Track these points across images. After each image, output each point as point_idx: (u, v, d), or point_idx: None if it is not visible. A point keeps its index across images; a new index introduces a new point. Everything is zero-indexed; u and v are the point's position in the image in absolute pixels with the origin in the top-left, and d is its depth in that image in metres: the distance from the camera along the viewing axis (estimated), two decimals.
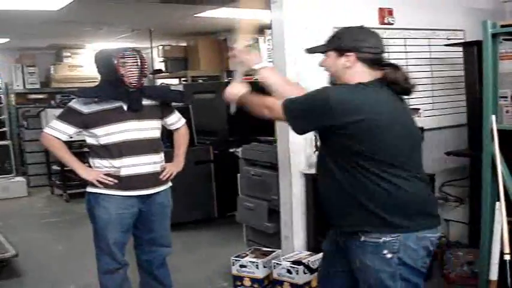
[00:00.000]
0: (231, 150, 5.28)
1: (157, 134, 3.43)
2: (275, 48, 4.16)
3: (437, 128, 4.30)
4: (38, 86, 9.85)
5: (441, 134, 4.47)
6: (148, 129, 3.34)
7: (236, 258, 4.19)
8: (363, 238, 2.33)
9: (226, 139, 6.01)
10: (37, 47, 9.51)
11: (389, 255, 2.29)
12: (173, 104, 3.66)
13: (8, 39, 8.40)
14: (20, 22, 6.62)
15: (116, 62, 3.20)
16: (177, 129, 3.66)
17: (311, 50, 2.61)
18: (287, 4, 3.96)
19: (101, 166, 3.30)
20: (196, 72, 7.71)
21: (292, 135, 4.01)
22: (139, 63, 3.26)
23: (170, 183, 3.56)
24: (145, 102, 3.35)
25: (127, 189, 3.29)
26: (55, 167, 8.57)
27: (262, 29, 6.91)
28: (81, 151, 8.41)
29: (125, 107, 3.27)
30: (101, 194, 3.29)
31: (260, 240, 4.75)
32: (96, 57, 3.38)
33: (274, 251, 4.26)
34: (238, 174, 5.08)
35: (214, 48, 7.77)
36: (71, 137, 3.35)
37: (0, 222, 5.62)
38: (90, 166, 3.40)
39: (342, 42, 2.42)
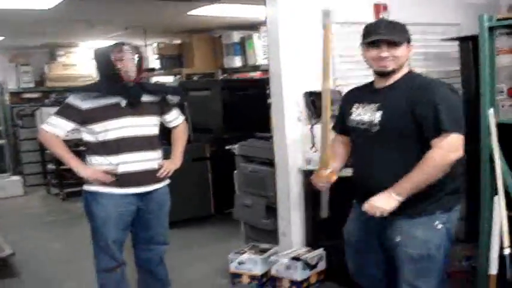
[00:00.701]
0: (228, 147, 5.26)
1: (155, 131, 3.40)
2: (271, 45, 4.15)
3: None
4: (32, 85, 9.81)
5: None
6: (146, 125, 3.32)
7: (234, 255, 4.19)
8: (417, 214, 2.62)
9: (223, 136, 6.00)
10: (31, 45, 9.47)
11: (439, 226, 2.61)
12: (170, 100, 3.60)
13: (2, 38, 8.35)
14: (13, 21, 6.59)
15: (113, 57, 3.18)
16: (175, 126, 3.62)
17: (387, 36, 2.68)
18: (282, 0, 3.94)
19: (98, 163, 3.27)
20: (190, 70, 7.69)
21: (289, 131, 4.02)
22: (136, 58, 3.24)
23: (168, 181, 3.53)
24: (145, 98, 3.33)
25: (125, 187, 3.27)
26: (51, 166, 8.54)
27: (256, 26, 6.91)
28: (77, 150, 8.46)
29: (123, 103, 3.25)
30: (98, 192, 3.27)
31: (259, 237, 4.75)
32: (94, 54, 3.38)
33: (272, 248, 4.26)
34: (235, 171, 5.08)
35: (208, 45, 7.74)
36: (67, 135, 3.29)
37: None
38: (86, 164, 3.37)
39: (408, 34, 2.74)
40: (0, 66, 9.88)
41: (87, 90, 3.31)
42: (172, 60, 8.17)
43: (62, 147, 3.29)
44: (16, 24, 6.87)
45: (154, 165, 3.37)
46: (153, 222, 3.47)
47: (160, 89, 3.65)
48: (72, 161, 3.30)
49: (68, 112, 3.23)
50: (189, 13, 6.48)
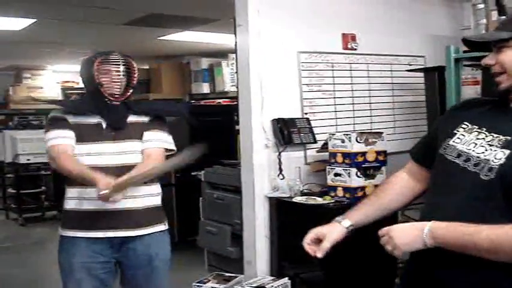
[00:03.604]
0: (193, 173, 5.20)
1: (139, 159, 2.71)
2: (240, 72, 4.14)
3: (399, 152, 4.32)
4: None
5: (403, 158, 4.50)
6: (129, 152, 2.67)
7: (198, 284, 4.09)
8: None
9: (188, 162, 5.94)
10: None
11: None
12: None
13: None
14: None
15: (95, 68, 2.64)
16: (145, 149, 2.74)
17: (485, 38, 1.82)
18: (252, 28, 3.95)
19: (68, 196, 2.70)
20: (158, 95, 7.63)
21: (256, 158, 3.99)
22: (124, 71, 2.67)
23: (164, 226, 2.83)
24: (132, 118, 2.73)
25: (92, 229, 2.62)
26: (10, 190, 8.37)
27: (225, 53, 6.93)
28: (38, 174, 8.33)
29: (104, 124, 2.68)
30: (63, 235, 2.69)
31: (222, 266, 4.68)
32: (80, 64, 2.82)
33: (236, 276, 4.18)
34: (201, 198, 5.02)
35: (177, 71, 7.72)
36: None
37: None
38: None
39: None
40: None
41: (66, 106, 2.89)
42: (139, 84, 8.10)
43: (74, 166, 2.59)
44: None
45: (139, 203, 2.68)
46: (141, 281, 2.76)
47: (155, 109, 2.97)
48: (86, 179, 2.52)
49: (60, 123, 2.66)
50: (159, 38, 6.48)
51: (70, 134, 2.64)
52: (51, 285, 4.82)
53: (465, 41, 1.81)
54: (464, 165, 1.71)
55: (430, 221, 1.69)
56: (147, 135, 2.75)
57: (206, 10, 5.15)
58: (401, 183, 2.06)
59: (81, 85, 8.92)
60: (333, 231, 1.98)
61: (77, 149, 2.64)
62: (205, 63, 7.29)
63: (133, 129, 2.71)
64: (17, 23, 5.45)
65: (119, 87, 2.67)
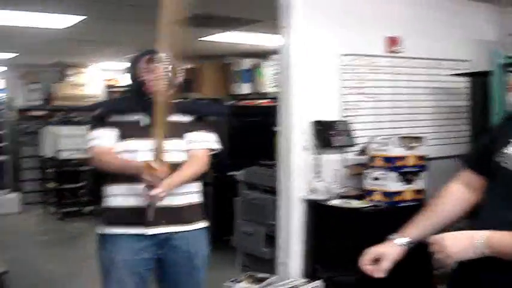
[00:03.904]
0: (231, 173, 5.20)
1: (180, 157, 2.68)
2: (281, 74, 4.13)
3: (439, 157, 4.26)
4: (39, 103, 9.82)
5: (443, 164, 4.42)
6: (171, 151, 2.58)
7: (230, 284, 4.10)
8: None
9: (226, 162, 5.94)
10: (42, 64, 9.52)
11: None
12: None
13: (16, 54, 8.39)
14: (27, 39, 6.61)
15: (140, 66, 2.66)
16: (190, 150, 2.74)
17: None
18: (295, 30, 3.94)
19: (110, 194, 2.70)
20: (199, 95, 7.67)
21: (294, 160, 3.97)
22: (170, 70, 2.59)
23: (204, 222, 2.81)
24: (173, 117, 2.63)
25: (133, 226, 2.61)
26: (50, 185, 8.51)
27: (266, 54, 6.93)
28: (78, 170, 8.46)
29: (142, 122, 2.66)
30: (104, 233, 2.68)
31: (255, 266, 4.66)
32: (129, 62, 2.83)
33: (269, 277, 4.17)
34: (237, 198, 5.01)
35: (218, 71, 7.76)
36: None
37: None
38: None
39: None
40: (9, 82, 9.93)
41: (105, 105, 2.91)
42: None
43: (117, 159, 2.62)
44: (30, 42, 6.89)
45: (183, 200, 2.69)
46: (181, 278, 2.75)
47: (197, 109, 2.95)
48: (133, 168, 2.53)
49: (101, 123, 2.68)
50: (201, 39, 6.50)
51: (111, 134, 2.65)
52: (87, 279, 4.90)
53: None
54: None
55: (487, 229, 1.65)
56: (191, 136, 2.75)
57: (250, 11, 5.14)
58: (457, 195, 1.99)
59: (124, 83, 9.05)
60: (391, 251, 1.90)
61: (117, 146, 2.65)
62: (246, 63, 7.31)
63: (174, 127, 2.63)
64: (64, 21, 5.52)
65: (162, 85, 2.59)
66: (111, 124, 2.67)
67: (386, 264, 1.88)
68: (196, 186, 2.79)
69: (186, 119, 2.77)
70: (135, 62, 2.71)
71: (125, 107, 2.73)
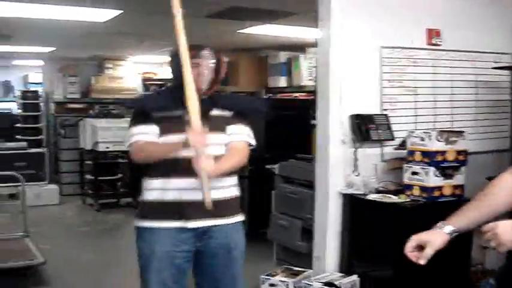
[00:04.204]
0: (268, 166, 5.20)
1: (222, 151, 2.71)
2: (320, 67, 4.11)
3: (479, 152, 4.18)
4: (78, 96, 9.96)
5: (483, 158, 4.35)
6: (212, 144, 2.57)
7: (266, 277, 4.09)
8: None
9: (263, 155, 5.94)
10: (80, 57, 9.66)
11: None
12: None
13: (53, 48, 8.52)
14: (66, 32, 6.70)
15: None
16: (229, 142, 2.76)
17: None
18: (334, 22, 3.90)
19: (149, 188, 2.73)
20: (235, 88, 7.67)
21: (332, 153, 3.94)
22: (215, 67, 2.68)
23: (242, 216, 2.85)
24: (215, 112, 2.71)
25: (175, 219, 2.64)
26: (88, 176, 8.63)
27: (303, 47, 6.89)
28: (115, 162, 8.56)
29: (186, 116, 2.58)
30: (143, 226, 2.72)
31: (290, 260, 4.65)
32: (169, 54, 2.81)
33: (305, 271, 4.15)
34: (273, 191, 5.01)
35: (254, 64, 7.75)
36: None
37: (30, 229, 5.63)
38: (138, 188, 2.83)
39: None
40: (48, 76, 10.11)
41: (141, 103, 2.89)
42: None
43: (157, 144, 2.67)
44: (68, 35, 6.99)
45: (221, 194, 2.68)
46: (218, 270, 2.77)
47: (238, 104, 2.92)
48: (174, 146, 2.57)
49: (144, 118, 2.69)
50: (238, 31, 6.50)
51: (153, 129, 2.67)
52: (125, 269, 4.95)
53: None
54: None
55: None
56: (232, 128, 2.77)
57: (287, 4, 5.12)
58: (507, 185, 1.98)
59: (160, 76, 9.14)
60: (436, 238, 1.91)
61: (161, 141, 2.67)
62: (283, 56, 7.27)
63: (216, 122, 2.68)
64: (103, 15, 5.58)
65: (206, 81, 2.66)
66: (153, 120, 2.67)
67: (429, 252, 1.89)
68: (234, 180, 2.81)
69: (226, 113, 2.77)
70: (178, 58, 2.62)
71: (169, 103, 2.71)
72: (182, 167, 2.55)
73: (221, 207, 2.67)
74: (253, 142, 2.85)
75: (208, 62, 2.66)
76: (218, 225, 2.70)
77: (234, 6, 5.29)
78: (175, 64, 2.64)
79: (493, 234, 1.69)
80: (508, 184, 1.97)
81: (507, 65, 4.29)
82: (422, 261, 1.89)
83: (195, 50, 2.63)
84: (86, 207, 8.57)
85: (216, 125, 2.66)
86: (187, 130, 2.44)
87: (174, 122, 2.64)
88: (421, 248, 1.91)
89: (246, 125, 2.84)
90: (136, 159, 2.70)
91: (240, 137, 2.78)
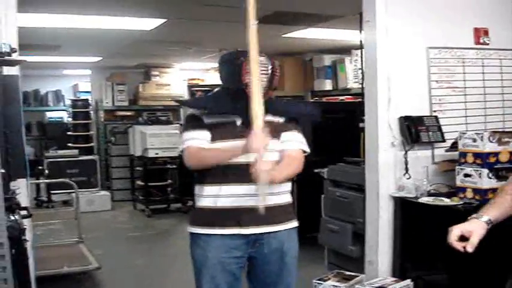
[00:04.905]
0: (316, 170, 5.19)
1: (276, 157, 2.68)
2: (367, 69, 4.09)
3: None
4: (126, 103, 10.15)
5: None
6: (268, 151, 2.54)
7: (318, 282, 4.09)
8: None
9: (311, 159, 5.93)
10: (127, 65, 9.84)
11: None
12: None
13: (100, 58, 8.70)
14: (112, 42, 6.85)
15: (242, 67, 2.60)
16: (285, 150, 2.73)
17: None
18: (380, 24, 3.89)
19: (203, 194, 2.71)
20: (280, 92, 7.70)
21: (381, 156, 3.91)
22: (270, 73, 2.67)
23: (296, 222, 2.83)
24: (268, 118, 2.61)
25: (228, 227, 2.62)
26: (139, 182, 8.77)
27: (348, 49, 6.86)
28: (165, 168, 8.68)
29: (239, 122, 2.66)
30: (198, 233, 2.71)
31: (342, 264, 4.64)
32: (220, 61, 2.81)
33: (357, 276, 4.13)
34: (323, 195, 5.00)
35: (299, 68, 7.76)
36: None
37: (84, 235, 5.76)
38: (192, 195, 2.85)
39: None
40: (96, 84, 10.33)
41: (198, 105, 2.86)
42: None
43: (213, 150, 2.64)
44: (115, 45, 7.14)
45: (275, 200, 2.65)
46: (271, 277, 2.74)
47: (290, 110, 2.92)
48: (231, 152, 2.56)
49: (197, 123, 2.68)
50: (283, 36, 6.52)
51: (205, 135, 2.66)
52: (176, 274, 5.03)
53: None
54: None
55: None
56: (286, 135, 2.75)
57: (331, 7, 5.11)
58: None
59: (207, 82, 9.11)
60: (478, 227, 2.02)
61: (213, 147, 2.65)
62: (328, 59, 7.27)
63: (269, 128, 2.58)
64: (148, 23, 5.69)
65: (264, 88, 2.60)
66: (206, 126, 2.67)
67: (475, 240, 1.99)
68: (287, 186, 2.79)
69: (279, 119, 2.75)
70: (234, 64, 2.65)
71: (227, 106, 2.69)
72: (238, 173, 2.55)
73: (276, 214, 2.67)
74: (308, 149, 2.83)
75: (264, 69, 2.63)
76: (272, 231, 2.68)
77: (278, 11, 5.31)
78: (232, 71, 2.65)
79: None
80: None
81: None
82: (470, 249, 1.97)
83: (266, 60, 2.64)
84: (137, 212, 8.72)
85: (270, 132, 2.59)
86: (249, 134, 2.42)
87: (226, 129, 2.65)
88: (462, 238, 1.99)
89: (299, 132, 2.82)
90: (189, 164, 2.68)
91: (295, 144, 2.76)
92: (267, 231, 2.66)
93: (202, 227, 2.70)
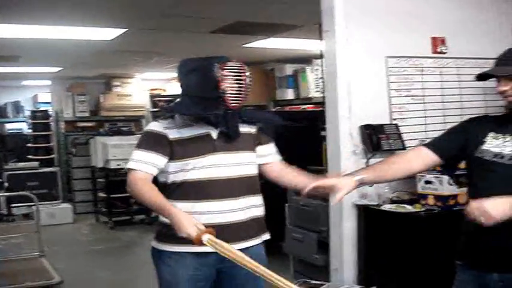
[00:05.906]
0: None
1: (254, 170, 2.65)
2: (327, 78, 4.12)
3: None
4: (87, 114, 10.05)
5: None
6: (242, 164, 2.57)
7: None
8: None
9: None
10: (88, 76, 9.75)
11: None
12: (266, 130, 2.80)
13: (61, 68, 8.60)
14: (73, 52, 6.78)
15: (218, 73, 2.43)
16: (268, 163, 2.76)
17: (495, 72, 2.34)
18: (339, 34, 3.92)
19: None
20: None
21: (344, 165, 3.94)
22: (245, 80, 2.48)
23: (267, 235, 2.77)
24: (242, 128, 2.58)
25: (195, 245, 2.36)
26: (101, 194, 8.67)
27: (309, 59, 6.92)
28: (125, 179, 8.57)
29: (214, 135, 2.54)
30: (166, 250, 2.57)
31: (308, 273, 4.64)
32: (184, 66, 2.58)
33: (323, 284, 4.15)
34: (287, 204, 5.01)
35: (261, 78, 7.78)
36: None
37: (46, 248, 5.66)
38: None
39: None
40: (57, 95, 10.19)
41: (182, 111, 2.58)
42: None
43: (157, 192, 2.43)
44: (75, 55, 7.07)
45: (250, 213, 2.62)
46: None
47: (260, 117, 2.85)
48: (175, 215, 2.32)
49: (154, 143, 2.50)
50: (244, 46, 6.54)
51: (156, 160, 2.49)
52: (142, 287, 4.97)
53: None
54: (501, 161, 2.23)
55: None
56: (265, 149, 2.74)
57: (291, 17, 5.16)
58: (408, 158, 2.50)
59: (169, 92, 9.01)
60: (347, 183, 2.34)
61: (192, 162, 2.50)
62: (289, 69, 7.31)
63: (244, 139, 2.59)
64: (108, 33, 5.64)
65: (239, 96, 2.47)
66: (167, 144, 2.51)
67: (341, 194, 2.30)
68: (259, 199, 2.74)
69: (252, 130, 2.68)
70: (207, 70, 2.45)
71: (201, 118, 2.53)
72: (213, 189, 2.49)
73: (246, 229, 2.61)
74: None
75: (238, 75, 2.47)
76: (244, 248, 2.53)
77: (239, 21, 5.34)
78: (206, 77, 2.45)
79: (482, 211, 2.01)
80: (407, 157, 2.51)
81: None
82: (334, 203, 2.34)
83: (223, 63, 2.46)
84: (100, 225, 8.62)
85: (244, 143, 2.60)
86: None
87: (198, 144, 2.52)
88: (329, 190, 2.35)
89: (272, 141, 2.80)
90: (128, 190, 2.55)
91: (277, 156, 2.82)
92: (241, 247, 2.48)
93: (171, 244, 2.54)
